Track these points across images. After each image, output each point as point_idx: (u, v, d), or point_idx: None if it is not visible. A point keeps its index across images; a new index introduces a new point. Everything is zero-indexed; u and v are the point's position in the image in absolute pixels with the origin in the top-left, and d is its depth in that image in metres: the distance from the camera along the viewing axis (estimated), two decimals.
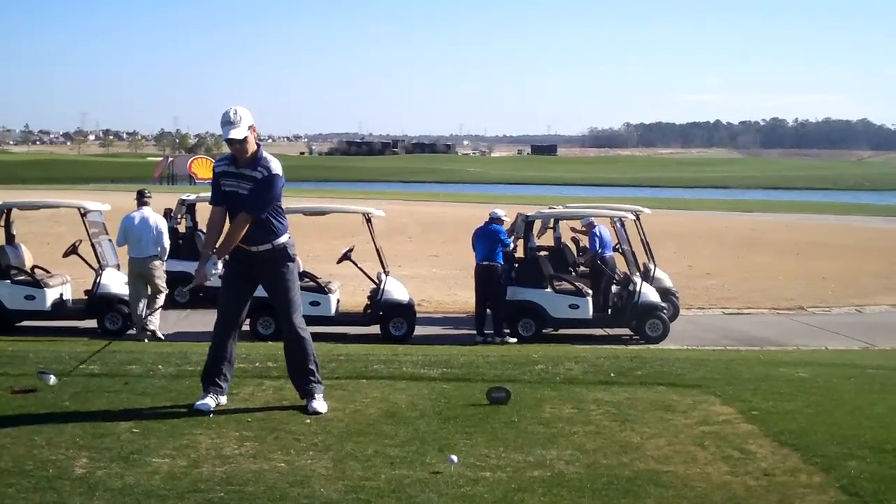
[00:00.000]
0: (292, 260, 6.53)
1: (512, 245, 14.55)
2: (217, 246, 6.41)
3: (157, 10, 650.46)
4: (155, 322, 13.01)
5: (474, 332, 14.15)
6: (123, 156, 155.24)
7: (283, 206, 6.55)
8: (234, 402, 6.53)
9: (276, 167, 6.32)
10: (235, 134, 6.17)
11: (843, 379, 8.25)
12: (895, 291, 19.96)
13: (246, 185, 6.29)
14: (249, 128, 6.22)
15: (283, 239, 6.46)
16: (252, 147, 6.29)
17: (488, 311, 14.26)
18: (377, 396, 6.85)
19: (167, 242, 13.18)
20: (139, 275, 12.99)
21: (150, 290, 13.03)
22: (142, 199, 13.20)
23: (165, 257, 13.28)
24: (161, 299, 13.14)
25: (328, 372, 7.54)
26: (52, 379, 6.75)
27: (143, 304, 13.00)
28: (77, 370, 7.30)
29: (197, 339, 10.97)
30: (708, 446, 5.64)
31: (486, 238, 14.20)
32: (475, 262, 14.38)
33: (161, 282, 13.06)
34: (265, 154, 6.37)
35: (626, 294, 14.61)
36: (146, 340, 12.30)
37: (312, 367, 6.54)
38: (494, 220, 14.39)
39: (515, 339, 13.94)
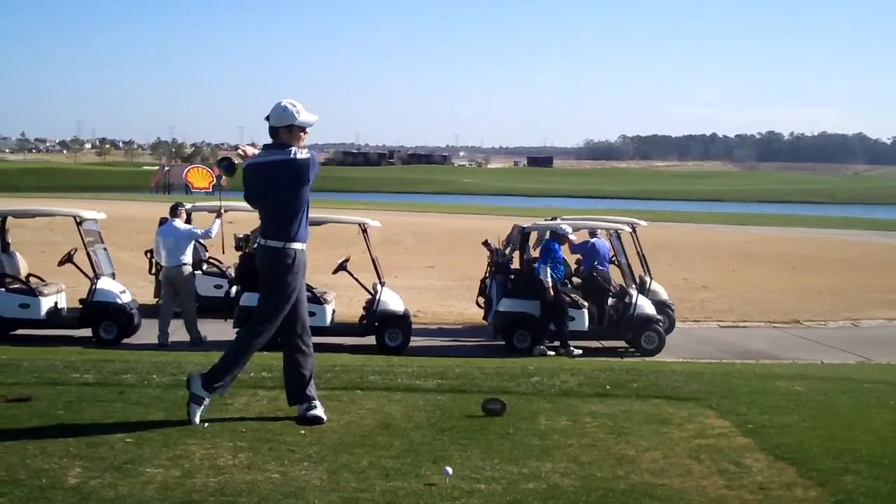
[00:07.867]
0: (288, 270, 6.11)
1: (547, 270, 13.75)
2: None
3: (153, 19, 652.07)
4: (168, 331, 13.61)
5: (469, 342, 14.08)
6: (119, 164, 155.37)
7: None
8: (228, 413, 6.49)
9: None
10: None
11: (839, 393, 8.24)
12: (891, 305, 20.03)
13: None
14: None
15: (276, 243, 6.15)
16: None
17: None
18: (372, 408, 6.83)
19: (189, 250, 13.85)
20: (168, 282, 13.78)
21: (181, 298, 13.76)
22: (173, 212, 14.03)
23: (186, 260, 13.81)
24: (190, 308, 13.73)
25: (323, 382, 7.51)
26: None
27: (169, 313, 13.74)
28: (72, 379, 7.24)
29: (193, 349, 10.94)
30: (703, 460, 5.62)
31: (542, 252, 14.12)
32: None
33: (188, 289, 13.75)
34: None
35: (621, 306, 14.61)
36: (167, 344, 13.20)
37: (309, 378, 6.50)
38: (553, 234, 14.17)
39: (553, 353, 13.64)
